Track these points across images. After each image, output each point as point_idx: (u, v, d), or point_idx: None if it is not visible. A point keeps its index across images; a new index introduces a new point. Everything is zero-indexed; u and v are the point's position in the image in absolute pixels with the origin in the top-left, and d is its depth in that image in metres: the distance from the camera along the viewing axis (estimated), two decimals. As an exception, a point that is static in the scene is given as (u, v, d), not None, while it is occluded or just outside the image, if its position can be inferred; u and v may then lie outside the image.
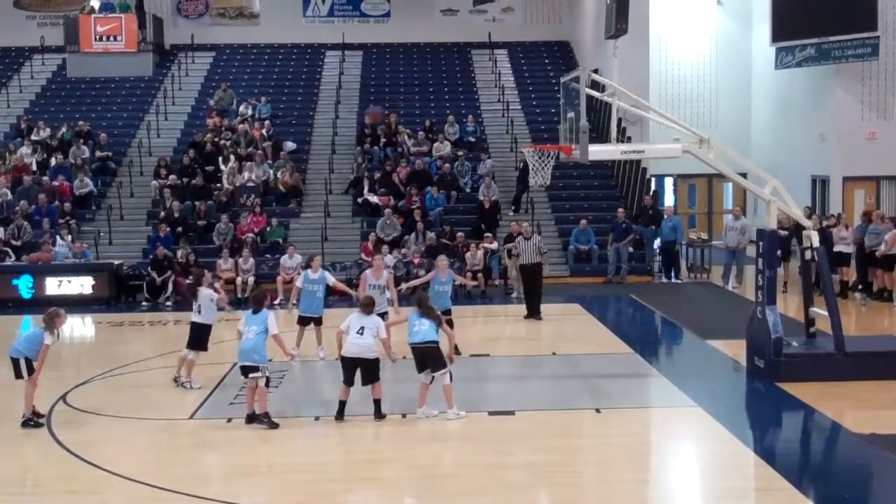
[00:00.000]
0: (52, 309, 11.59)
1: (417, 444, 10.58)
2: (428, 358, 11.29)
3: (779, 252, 18.74)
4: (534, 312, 18.03)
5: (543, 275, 18.81)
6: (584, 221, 23.10)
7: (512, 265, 20.77)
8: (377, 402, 11.27)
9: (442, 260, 15.28)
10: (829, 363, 12.84)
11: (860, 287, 19.99)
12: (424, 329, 11.32)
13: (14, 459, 10.27)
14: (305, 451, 10.41)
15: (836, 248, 19.63)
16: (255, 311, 11.39)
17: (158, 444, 10.79)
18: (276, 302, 19.34)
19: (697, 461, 10.41)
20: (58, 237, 22.09)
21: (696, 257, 23.90)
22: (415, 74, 32.49)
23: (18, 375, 11.25)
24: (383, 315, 14.43)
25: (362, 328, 11.22)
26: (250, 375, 11.10)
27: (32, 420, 11.22)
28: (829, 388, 12.25)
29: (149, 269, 21.05)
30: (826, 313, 13.12)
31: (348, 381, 11.21)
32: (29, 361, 11.20)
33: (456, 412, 11.28)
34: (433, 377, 11.31)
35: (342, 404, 11.20)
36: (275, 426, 10.93)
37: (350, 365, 11.20)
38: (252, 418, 11.11)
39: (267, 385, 11.26)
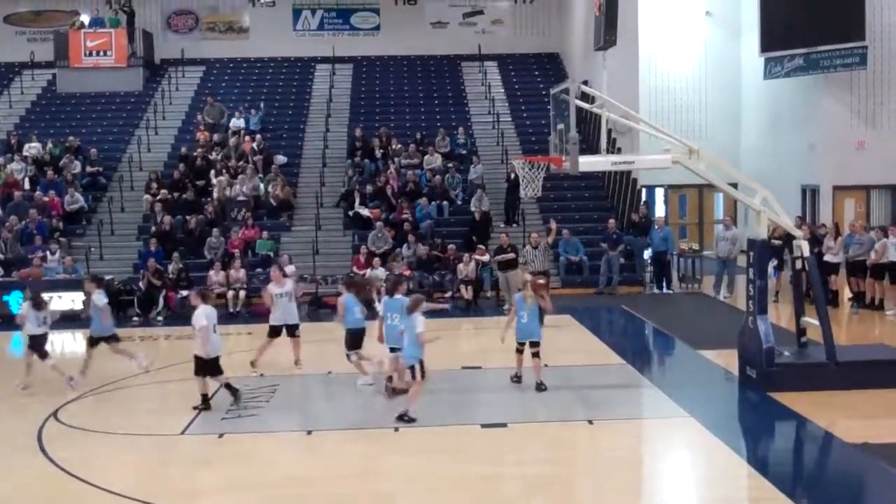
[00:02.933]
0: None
1: (408, 458, 10.54)
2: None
3: (776, 261, 18.94)
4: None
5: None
6: (566, 231, 22.85)
7: (504, 278, 20.78)
8: None
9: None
10: (820, 372, 12.84)
11: (850, 297, 20.04)
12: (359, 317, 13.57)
13: (5, 476, 10.20)
14: (296, 466, 10.36)
15: (825, 258, 19.67)
16: (391, 296, 12.87)
17: (150, 460, 10.74)
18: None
19: (690, 472, 10.40)
20: (48, 253, 22.01)
21: (687, 267, 23.94)
22: (405, 87, 32.56)
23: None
24: (294, 327, 14.85)
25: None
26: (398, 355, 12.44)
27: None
28: (821, 397, 12.26)
29: (139, 284, 21.02)
30: (817, 323, 13.15)
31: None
32: None
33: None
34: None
35: None
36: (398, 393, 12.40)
37: None
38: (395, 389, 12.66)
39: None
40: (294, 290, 15.35)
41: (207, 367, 12.46)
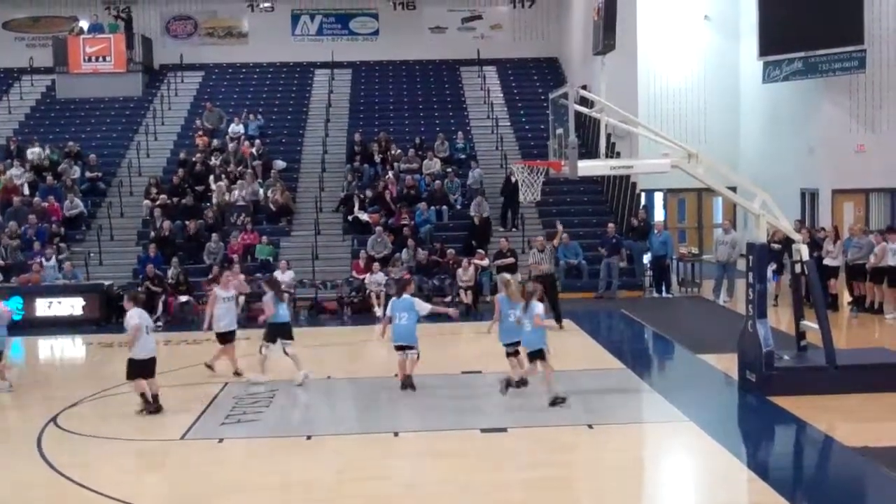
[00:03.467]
0: None
1: (408, 462, 10.54)
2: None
3: (775, 265, 18.93)
4: (559, 321, 17.94)
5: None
6: (564, 235, 22.78)
7: (503, 283, 20.73)
8: None
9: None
10: (820, 376, 12.83)
11: (849, 300, 20.05)
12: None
13: (4, 481, 10.19)
14: (296, 470, 10.35)
15: (824, 262, 19.67)
16: (399, 297, 13.35)
17: (149, 465, 10.75)
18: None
19: (690, 476, 10.39)
20: (42, 259, 21.97)
21: (686, 272, 23.94)
22: (404, 92, 32.59)
23: None
24: (231, 333, 14.72)
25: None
26: (407, 353, 13.20)
27: None
28: (821, 401, 12.25)
29: (139, 288, 20.99)
30: (817, 326, 13.14)
31: None
32: None
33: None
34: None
35: None
36: (415, 389, 13.20)
37: None
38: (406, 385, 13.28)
39: (417, 359, 13.34)
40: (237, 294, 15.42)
41: (141, 368, 12.51)
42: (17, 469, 10.61)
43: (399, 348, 13.35)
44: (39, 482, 10.09)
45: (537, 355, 12.41)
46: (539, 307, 12.47)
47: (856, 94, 25.39)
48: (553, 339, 17.50)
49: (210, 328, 14.83)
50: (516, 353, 13.31)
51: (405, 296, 13.41)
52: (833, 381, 12.71)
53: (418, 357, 13.39)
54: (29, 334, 19.54)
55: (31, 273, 21.38)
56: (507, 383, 12.68)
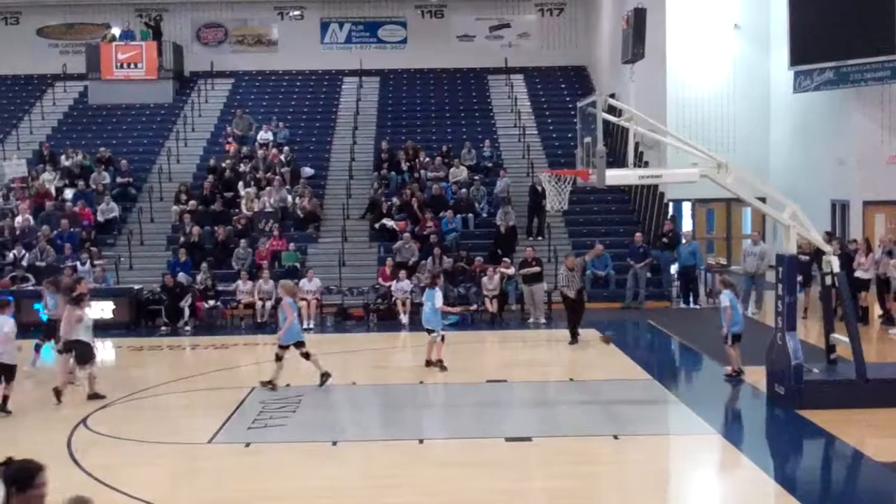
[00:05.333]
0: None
1: (434, 470, 10.53)
2: None
3: (799, 277, 18.76)
4: (576, 338, 18.12)
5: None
6: (600, 246, 22.86)
7: (529, 291, 20.85)
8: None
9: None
10: (850, 390, 12.70)
11: (880, 315, 19.84)
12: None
13: (33, 484, 10.27)
14: (321, 476, 10.37)
15: (855, 274, 19.49)
16: (431, 287, 15.94)
17: (178, 468, 10.82)
18: (306, 326, 19.32)
19: (717, 489, 10.32)
20: (78, 262, 22.22)
21: (714, 283, 23.79)
22: (431, 100, 32.67)
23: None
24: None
25: None
26: (431, 335, 15.47)
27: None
28: (851, 415, 12.13)
29: (161, 294, 21.19)
30: (847, 339, 13.02)
31: None
32: None
33: None
34: None
35: None
36: (445, 369, 15.14)
37: None
38: (429, 363, 15.41)
39: (442, 341, 15.51)
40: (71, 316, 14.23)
41: (6, 372, 13.05)
42: (48, 470, 10.68)
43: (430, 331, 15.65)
44: (69, 484, 10.15)
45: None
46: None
47: (887, 105, 25.15)
48: (579, 350, 17.54)
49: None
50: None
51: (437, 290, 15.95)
52: (863, 394, 12.58)
53: (442, 339, 15.55)
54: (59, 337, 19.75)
55: (61, 276, 21.53)
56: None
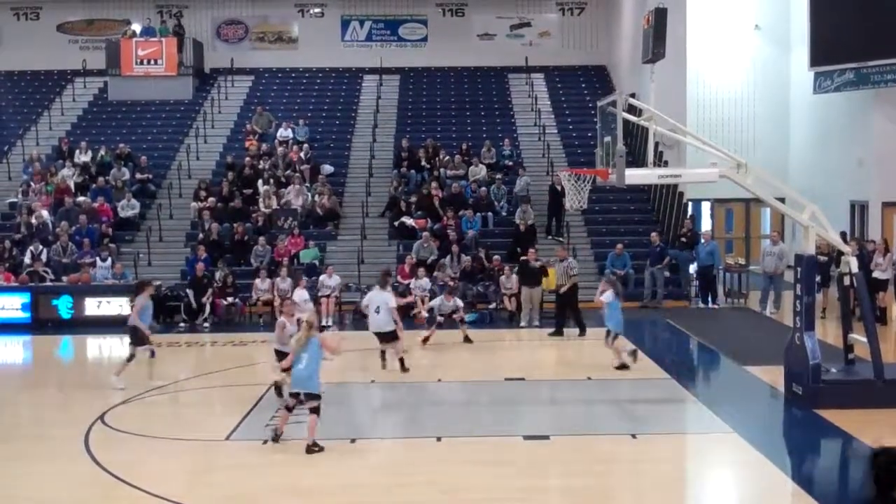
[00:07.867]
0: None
1: (450, 468, 10.55)
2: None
3: (818, 278, 18.68)
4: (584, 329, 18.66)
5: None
6: (619, 246, 22.94)
7: (528, 294, 20.56)
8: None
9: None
10: (868, 390, 12.68)
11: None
12: None
13: (53, 479, 10.37)
14: (337, 474, 10.40)
15: (873, 275, 19.41)
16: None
17: (195, 464, 10.88)
18: (325, 324, 19.34)
19: (734, 488, 10.32)
20: (98, 258, 22.35)
21: (733, 282, 23.73)
22: (452, 98, 32.66)
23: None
24: None
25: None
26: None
27: None
28: (869, 415, 12.09)
29: (186, 290, 21.27)
30: (865, 339, 12.97)
31: None
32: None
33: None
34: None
35: None
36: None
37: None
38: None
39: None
40: None
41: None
42: (65, 466, 10.80)
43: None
44: (87, 480, 10.27)
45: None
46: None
47: (908, 106, 25.03)
48: (597, 348, 17.50)
49: None
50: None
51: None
52: (881, 394, 12.55)
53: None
54: (78, 333, 19.93)
55: (81, 272, 21.73)
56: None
